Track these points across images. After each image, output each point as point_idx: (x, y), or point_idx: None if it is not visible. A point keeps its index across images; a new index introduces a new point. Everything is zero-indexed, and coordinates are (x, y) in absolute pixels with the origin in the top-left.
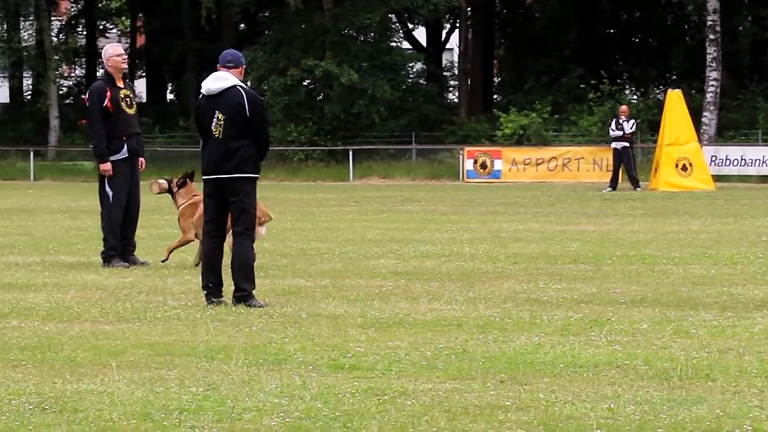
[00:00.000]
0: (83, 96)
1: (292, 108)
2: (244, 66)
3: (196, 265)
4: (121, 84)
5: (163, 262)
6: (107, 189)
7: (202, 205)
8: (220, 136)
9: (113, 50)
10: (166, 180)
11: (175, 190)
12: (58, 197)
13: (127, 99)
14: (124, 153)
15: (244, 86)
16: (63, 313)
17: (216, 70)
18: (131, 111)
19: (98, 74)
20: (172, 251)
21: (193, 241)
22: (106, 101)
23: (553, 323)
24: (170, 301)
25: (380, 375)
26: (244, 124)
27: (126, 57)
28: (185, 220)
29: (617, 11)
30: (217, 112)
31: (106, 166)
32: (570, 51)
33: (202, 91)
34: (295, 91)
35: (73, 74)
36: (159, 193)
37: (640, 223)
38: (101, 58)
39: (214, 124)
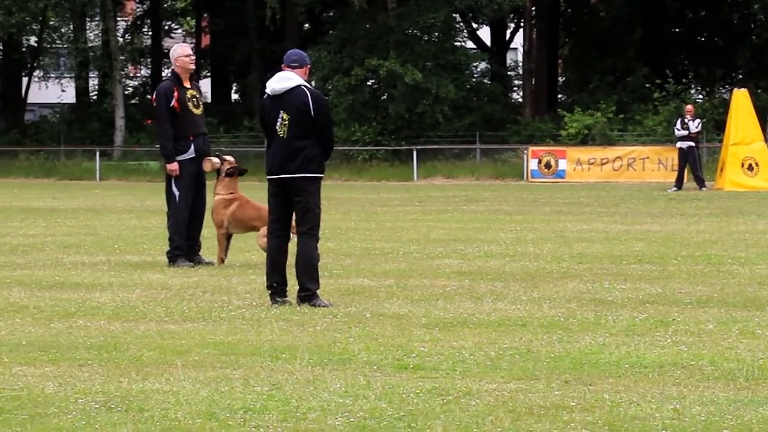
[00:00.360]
0: (149, 96)
1: (356, 108)
2: (309, 66)
3: (222, 262)
4: (187, 84)
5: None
6: (174, 189)
7: (236, 204)
8: (285, 136)
9: (182, 50)
10: (218, 159)
11: (221, 175)
12: (123, 197)
13: (194, 99)
14: (191, 153)
15: (309, 86)
16: (128, 312)
17: (280, 70)
18: (198, 111)
19: (163, 74)
20: (224, 258)
21: (224, 234)
22: (173, 101)
23: (618, 323)
24: (235, 300)
25: (444, 375)
26: (308, 123)
27: (194, 57)
28: (218, 213)
29: (683, 10)
30: (281, 112)
31: (173, 166)
32: (635, 50)
33: (267, 91)
34: (359, 90)
35: (138, 74)
36: (210, 170)
37: (706, 223)
38: (169, 57)
39: (278, 123)
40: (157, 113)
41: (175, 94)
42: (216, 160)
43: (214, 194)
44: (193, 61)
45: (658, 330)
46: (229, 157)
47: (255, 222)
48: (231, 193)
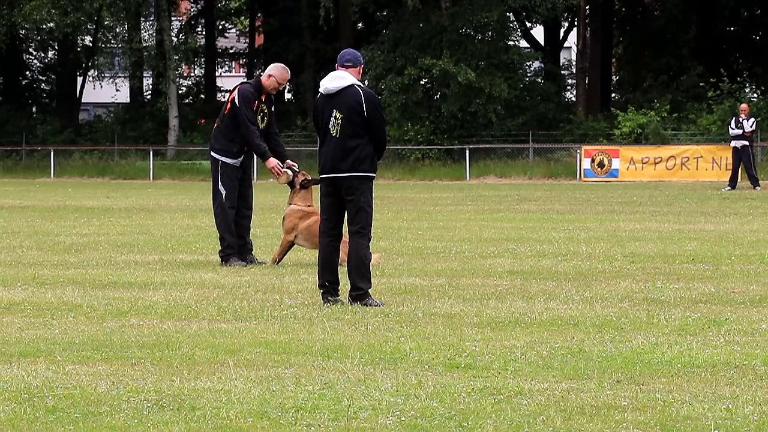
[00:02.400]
0: (231, 93)
1: (409, 107)
2: (362, 65)
3: (276, 263)
4: (263, 98)
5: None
6: (220, 187)
7: (313, 218)
8: (338, 135)
9: (281, 74)
10: (293, 171)
11: (296, 187)
12: (176, 196)
13: (262, 113)
14: (237, 162)
15: (362, 85)
16: (181, 311)
17: (334, 70)
18: (261, 125)
19: (218, 72)
20: (278, 261)
21: (292, 242)
22: (254, 109)
23: (671, 323)
24: (287, 299)
25: (496, 374)
26: (361, 123)
27: (282, 87)
28: (291, 220)
29: (738, 8)
30: (334, 111)
31: (272, 163)
32: (689, 49)
33: (320, 90)
34: (412, 90)
35: (192, 74)
36: (285, 182)
37: (760, 222)
38: (223, 57)
39: (331, 123)
40: (240, 117)
41: (255, 105)
42: (290, 172)
43: (289, 204)
44: (278, 90)
45: (711, 329)
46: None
47: None
48: (309, 206)
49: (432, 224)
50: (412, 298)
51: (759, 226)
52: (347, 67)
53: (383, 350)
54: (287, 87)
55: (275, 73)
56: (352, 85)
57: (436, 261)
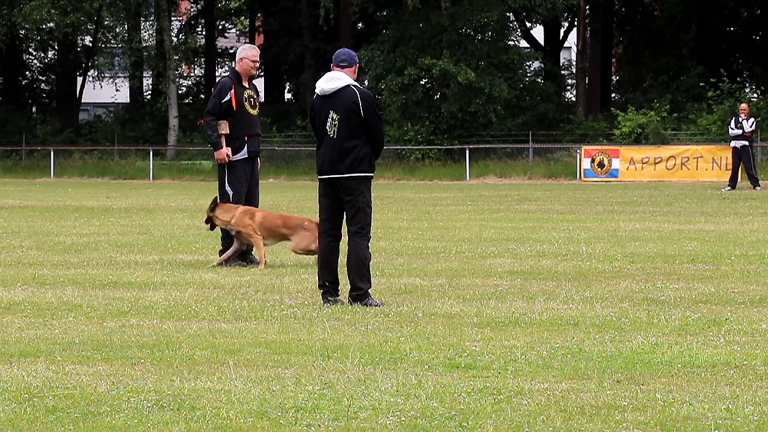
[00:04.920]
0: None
1: (409, 107)
2: (358, 64)
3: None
4: (246, 84)
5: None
6: (227, 188)
7: (259, 214)
8: (335, 136)
9: (249, 53)
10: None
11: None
12: (176, 196)
13: (251, 99)
14: (244, 153)
15: (358, 85)
16: (181, 311)
17: (330, 70)
18: (254, 111)
19: (219, 72)
20: (264, 261)
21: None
22: (230, 96)
23: (671, 323)
24: (287, 299)
25: (496, 374)
26: (358, 123)
27: (258, 63)
28: (244, 222)
29: (738, 8)
30: (331, 112)
31: (221, 154)
32: (689, 49)
33: (317, 91)
34: (412, 90)
35: (192, 74)
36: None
37: (760, 222)
38: (222, 57)
39: (328, 124)
40: (208, 106)
41: (232, 90)
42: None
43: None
44: (256, 67)
45: (711, 329)
46: None
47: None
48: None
49: (432, 224)
50: (412, 298)
51: (759, 226)
52: (342, 67)
53: (383, 350)
54: (287, 87)
55: (243, 54)
56: (348, 86)
57: (436, 261)
